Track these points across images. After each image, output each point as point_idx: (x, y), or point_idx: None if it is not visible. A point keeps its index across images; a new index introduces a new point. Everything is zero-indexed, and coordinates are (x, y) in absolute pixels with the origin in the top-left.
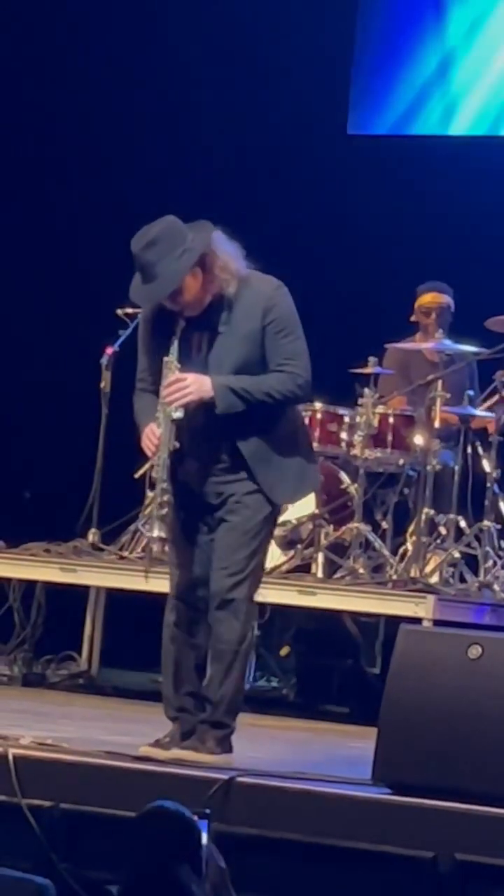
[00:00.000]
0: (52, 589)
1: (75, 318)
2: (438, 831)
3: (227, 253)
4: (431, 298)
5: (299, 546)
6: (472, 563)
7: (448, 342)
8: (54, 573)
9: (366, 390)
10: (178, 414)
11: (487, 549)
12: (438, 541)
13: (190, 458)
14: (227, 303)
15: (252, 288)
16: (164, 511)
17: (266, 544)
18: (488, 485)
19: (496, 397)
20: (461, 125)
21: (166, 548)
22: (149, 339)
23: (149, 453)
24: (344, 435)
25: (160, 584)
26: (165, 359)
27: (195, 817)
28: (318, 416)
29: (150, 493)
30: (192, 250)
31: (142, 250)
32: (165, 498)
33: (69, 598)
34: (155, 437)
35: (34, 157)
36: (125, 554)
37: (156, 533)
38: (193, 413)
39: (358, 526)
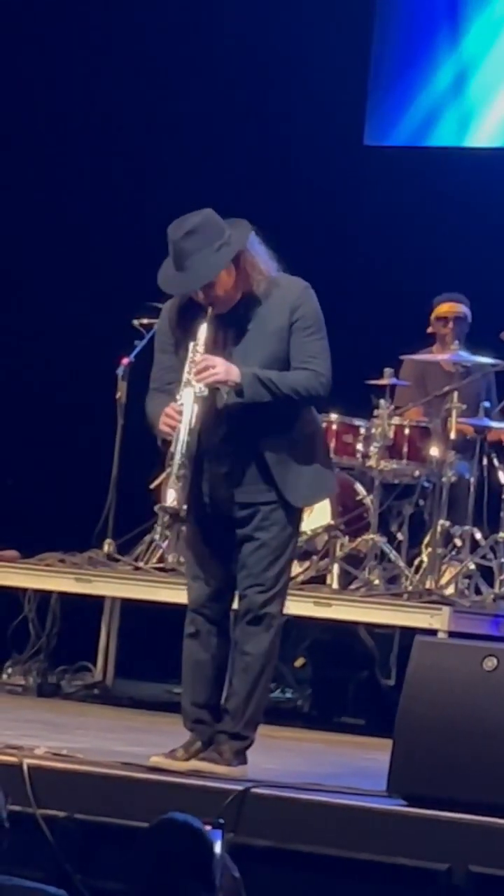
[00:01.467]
0: (68, 599)
1: (91, 329)
2: (453, 843)
3: (261, 254)
4: (449, 308)
5: (315, 557)
6: (487, 574)
7: (464, 354)
8: (69, 584)
9: (381, 402)
10: (204, 392)
11: (503, 560)
12: (454, 552)
13: (210, 466)
14: (255, 301)
15: (281, 287)
16: (181, 484)
17: (293, 557)
18: None
19: None
20: (477, 137)
21: (181, 558)
22: (169, 334)
23: (166, 429)
24: (360, 446)
25: (175, 594)
26: (192, 343)
27: (207, 828)
28: (334, 427)
29: None
30: (230, 245)
31: (181, 238)
32: (182, 472)
33: (84, 609)
34: (176, 413)
35: (51, 167)
36: (140, 564)
37: (169, 501)
38: (214, 419)
39: (373, 537)
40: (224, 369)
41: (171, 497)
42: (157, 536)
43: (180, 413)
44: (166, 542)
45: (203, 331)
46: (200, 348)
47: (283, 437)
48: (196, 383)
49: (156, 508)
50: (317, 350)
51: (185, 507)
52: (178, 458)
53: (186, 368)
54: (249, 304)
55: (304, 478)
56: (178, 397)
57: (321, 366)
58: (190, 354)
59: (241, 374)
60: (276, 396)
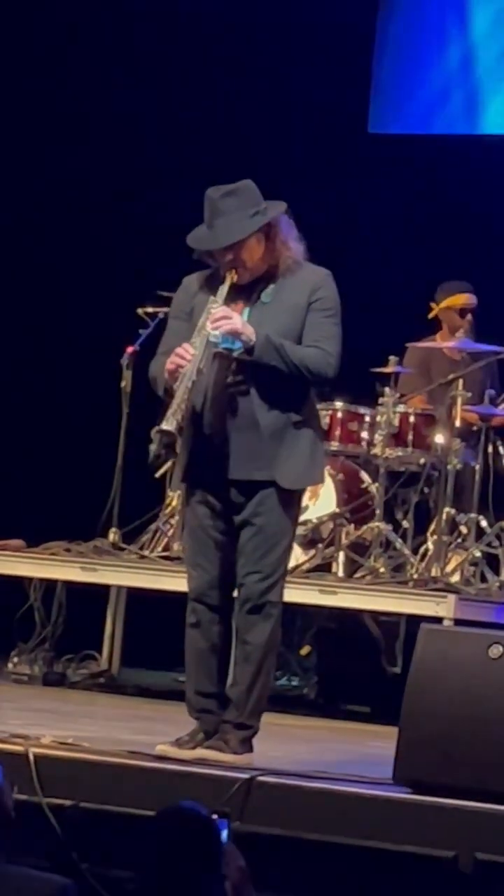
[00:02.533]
0: (73, 588)
1: (96, 318)
2: (459, 831)
3: (292, 234)
4: (467, 299)
5: (320, 545)
6: (493, 562)
7: (469, 341)
8: (75, 572)
9: (386, 389)
10: (217, 339)
11: None
12: (459, 540)
13: (208, 438)
14: (277, 276)
15: (305, 270)
16: (181, 415)
17: (292, 541)
18: None
19: None
20: (482, 124)
21: (176, 545)
22: (187, 302)
23: (172, 367)
24: (365, 434)
25: (180, 583)
26: (211, 297)
27: (214, 816)
28: (339, 415)
29: (170, 493)
30: (264, 215)
31: (219, 197)
32: (183, 405)
33: (90, 598)
34: (188, 353)
35: (56, 156)
36: (146, 553)
37: (167, 425)
38: (218, 388)
39: (379, 525)
40: (240, 322)
41: (168, 422)
42: (162, 524)
43: (191, 354)
44: (171, 531)
45: (223, 290)
46: (219, 302)
47: (282, 415)
48: (211, 329)
49: (153, 432)
50: (331, 333)
51: (180, 433)
52: (181, 391)
53: (203, 317)
54: (271, 279)
55: (295, 459)
56: (190, 341)
57: (332, 348)
58: (207, 306)
59: (256, 333)
60: (285, 364)
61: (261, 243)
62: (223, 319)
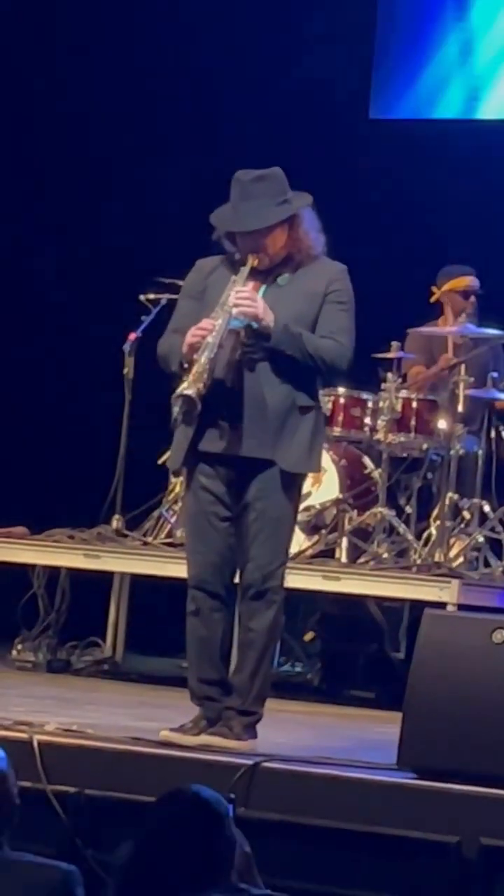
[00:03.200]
0: (76, 575)
1: (98, 304)
2: (464, 816)
3: (315, 227)
4: (470, 282)
5: (323, 531)
6: (496, 546)
7: (471, 326)
8: (78, 559)
9: (389, 375)
10: (238, 323)
11: None
12: (462, 525)
13: (214, 411)
14: (295, 266)
15: (322, 263)
16: (202, 382)
17: (293, 527)
18: None
19: None
20: (484, 109)
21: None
22: (200, 283)
23: (195, 340)
24: (367, 420)
25: (183, 569)
26: (233, 278)
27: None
28: (342, 400)
29: (173, 480)
30: (291, 205)
31: (250, 181)
32: (204, 372)
33: (93, 585)
34: (210, 324)
35: (57, 141)
36: (149, 540)
37: (187, 391)
38: (229, 366)
39: (382, 511)
40: (262, 308)
41: (190, 387)
42: (165, 511)
43: (213, 326)
44: (174, 518)
45: (244, 272)
46: (241, 282)
47: (289, 397)
48: (234, 302)
49: (173, 397)
50: (346, 326)
51: (199, 400)
52: (203, 360)
53: (226, 293)
54: (289, 267)
55: (296, 443)
56: (212, 315)
57: (347, 341)
58: (230, 285)
59: (275, 320)
60: (301, 354)
61: (284, 232)
62: (248, 300)
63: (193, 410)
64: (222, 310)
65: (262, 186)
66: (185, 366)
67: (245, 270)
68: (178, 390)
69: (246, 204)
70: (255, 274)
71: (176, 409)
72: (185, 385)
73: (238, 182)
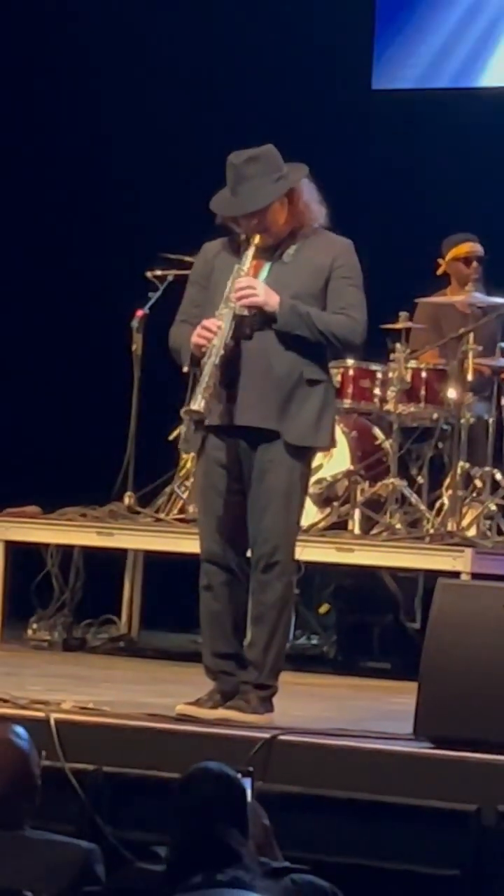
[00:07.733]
0: (90, 553)
1: (105, 281)
2: (481, 784)
3: (314, 198)
4: (471, 248)
5: (335, 503)
6: None
7: (479, 295)
8: (91, 537)
9: (398, 345)
10: (243, 311)
11: None
12: (474, 494)
13: (223, 385)
14: (300, 240)
15: (326, 236)
16: (209, 392)
17: (303, 500)
18: None
19: None
20: (487, 77)
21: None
22: (206, 269)
23: (202, 341)
24: (377, 391)
25: (196, 545)
26: (237, 266)
27: (238, 776)
28: (351, 372)
29: (184, 456)
30: (287, 180)
31: (242, 163)
32: (212, 382)
33: (107, 562)
34: (214, 325)
35: (63, 121)
36: (161, 516)
37: (196, 406)
38: (234, 345)
39: (393, 481)
40: (264, 294)
41: (197, 402)
42: (177, 487)
43: (218, 327)
44: (186, 493)
45: (249, 255)
46: (245, 269)
47: (296, 369)
48: (236, 303)
49: (182, 412)
50: (356, 300)
51: (208, 413)
52: (209, 368)
53: (228, 287)
54: (293, 240)
55: (303, 416)
56: (216, 313)
57: (360, 315)
58: (233, 274)
59: (280, 302)
60: (311, 332)
61: (284, 207)
62: (247, 290)
63: (203, 421)
64: (226, 305)
65: (256, 166)
66: (195, 369)
67: (249, 254)
68: (187, 406)
69: (242, 186)
70: (261, 251)
71: (184, 427)
72: (194, 401)
73: (232, 166)
